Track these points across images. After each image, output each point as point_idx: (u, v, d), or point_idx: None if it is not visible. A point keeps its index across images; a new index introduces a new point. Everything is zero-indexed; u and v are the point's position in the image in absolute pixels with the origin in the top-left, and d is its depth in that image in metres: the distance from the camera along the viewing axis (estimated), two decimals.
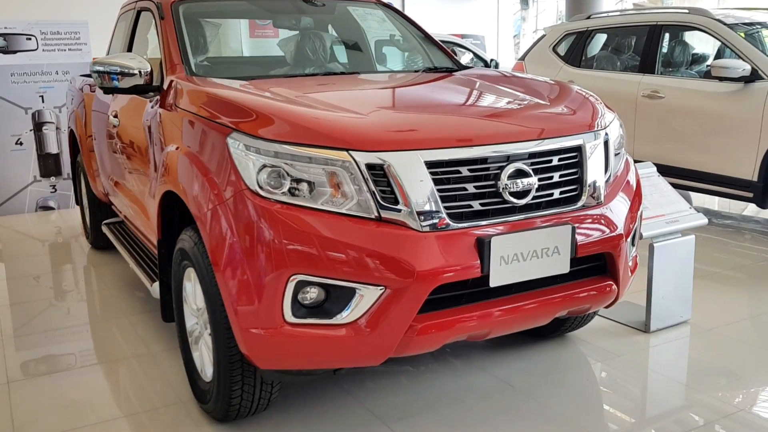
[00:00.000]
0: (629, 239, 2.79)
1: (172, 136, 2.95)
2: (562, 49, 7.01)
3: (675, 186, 5.81)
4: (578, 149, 2.64)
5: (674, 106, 5.72)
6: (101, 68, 3.24)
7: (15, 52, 6.84)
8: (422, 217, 2.30)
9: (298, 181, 2.31)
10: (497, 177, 2.43)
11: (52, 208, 7.18)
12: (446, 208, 2.35)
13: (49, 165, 7.10)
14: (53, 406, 2.99)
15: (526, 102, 2.92)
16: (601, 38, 6.90)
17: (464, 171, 2.39)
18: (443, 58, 3.92)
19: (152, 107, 3.28)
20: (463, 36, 12.61)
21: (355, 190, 2.29)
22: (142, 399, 3.02)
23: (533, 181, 2.47)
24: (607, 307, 2.89)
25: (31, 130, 6.98)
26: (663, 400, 2.95)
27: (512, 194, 2.44)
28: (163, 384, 3.15)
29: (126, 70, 3.21)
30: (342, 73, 3.80)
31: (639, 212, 2.94)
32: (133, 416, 2.88)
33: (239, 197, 2.34)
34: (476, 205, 2.40)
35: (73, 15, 7.39)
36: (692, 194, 6.88)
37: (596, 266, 2.72)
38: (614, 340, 3.51)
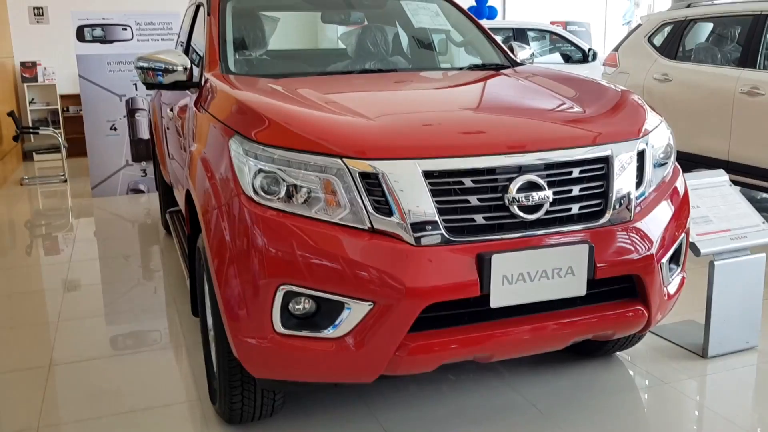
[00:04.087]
0: (666, 259, 2.52)
1: (195, 135, 2.96)
2: (658, 40, 6.54)
3: None
4: (605, 160, 2.40)
5: None
6: (144, 64, 3.27)
7: (112, 41, 7.16)
8: (416, 230, 2.16)
9: (294, 188, 2.23)
10: (505, 189, 2.24)
11: (141, 191, 7.50)
12: (445, 221, 2.20)
13: (140, 150, 7.41)
14: (81, 393, 3.08)
15: (555, 107, 2.70)
16: (701, 29, 6.37)
17: (467, 182, 2.22)
18: (496, 55, 3.71)
19: (190, 103, 3.30)
20: (567, 23, 12.11)
21: (349, 199, 2.19)
22: (163, 392, 3.06)
23: (547, 194, 2.27)
24: (640, 332, 2.65)
25: (124, 116, 7.31)
26: None
27: (521, 208, 2.25)
28: (188, 379, 3.18)
29: (169, 67, 3.23)
30: (393, 70, 3.68)
31: (684, 229, 2.66)
32: (150, 410, 2.92)
33: (235, 202, 2.29)
34: (479, 219, 2.23)
35: (167, 6, 7.64)
36: None
37: (624, 288, 2.48)
38: (666, 364, 3.21)
